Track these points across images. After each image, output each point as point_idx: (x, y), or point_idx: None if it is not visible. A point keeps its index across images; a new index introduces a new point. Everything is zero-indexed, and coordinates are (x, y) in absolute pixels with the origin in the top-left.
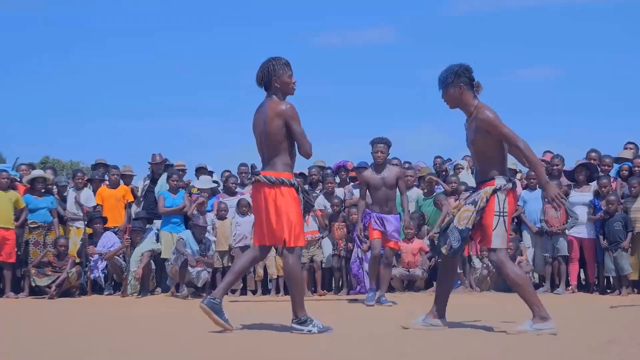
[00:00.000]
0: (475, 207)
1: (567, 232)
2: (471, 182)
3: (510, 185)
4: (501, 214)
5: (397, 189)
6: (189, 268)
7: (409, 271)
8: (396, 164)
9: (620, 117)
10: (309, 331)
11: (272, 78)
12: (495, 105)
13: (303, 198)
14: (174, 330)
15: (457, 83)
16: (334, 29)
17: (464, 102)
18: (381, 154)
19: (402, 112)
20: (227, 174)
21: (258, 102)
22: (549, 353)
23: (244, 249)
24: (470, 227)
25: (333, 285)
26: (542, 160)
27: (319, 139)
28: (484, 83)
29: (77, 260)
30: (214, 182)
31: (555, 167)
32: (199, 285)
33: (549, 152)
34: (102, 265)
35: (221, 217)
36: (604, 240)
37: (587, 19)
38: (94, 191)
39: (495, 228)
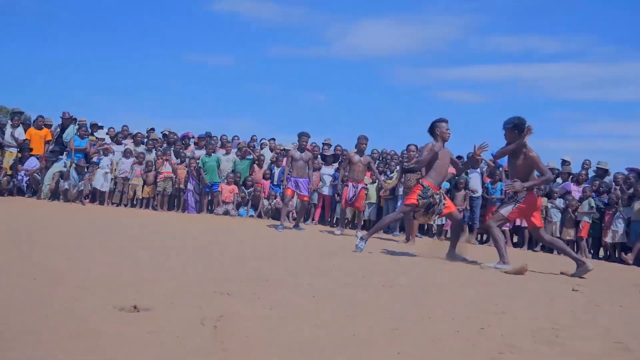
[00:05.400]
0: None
1: None
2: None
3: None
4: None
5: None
6: (62, 182)
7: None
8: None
9: None
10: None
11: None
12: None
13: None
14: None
15: (513, 130)
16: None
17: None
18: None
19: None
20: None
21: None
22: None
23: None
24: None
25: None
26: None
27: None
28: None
29: (9, 173)
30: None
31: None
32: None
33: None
34: (26, 178)
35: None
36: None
37: None
38: (25, 130)
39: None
